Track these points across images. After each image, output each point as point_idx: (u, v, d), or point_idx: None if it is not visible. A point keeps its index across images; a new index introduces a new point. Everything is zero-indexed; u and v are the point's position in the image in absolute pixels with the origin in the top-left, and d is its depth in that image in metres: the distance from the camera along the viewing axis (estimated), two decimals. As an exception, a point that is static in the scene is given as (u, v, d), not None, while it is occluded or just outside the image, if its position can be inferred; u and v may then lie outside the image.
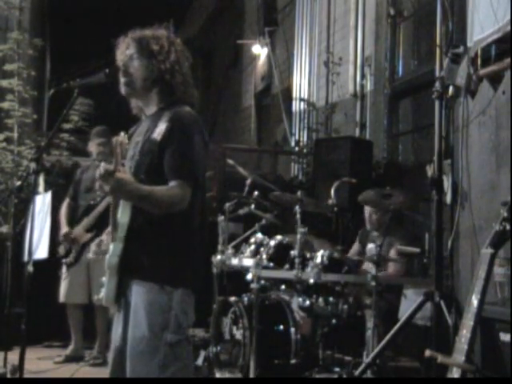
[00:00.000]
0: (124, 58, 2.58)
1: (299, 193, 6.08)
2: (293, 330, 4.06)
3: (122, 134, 2.46)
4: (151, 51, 2.56)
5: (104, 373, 2.60)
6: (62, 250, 5.21)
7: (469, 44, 3.97)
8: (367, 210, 4.74)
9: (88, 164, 5.55)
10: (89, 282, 5.17)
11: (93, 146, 5.38)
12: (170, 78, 2.56)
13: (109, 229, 2.70)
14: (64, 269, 5.22)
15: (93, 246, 5.11)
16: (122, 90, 2.58)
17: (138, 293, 2.44)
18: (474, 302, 2.46)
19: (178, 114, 2.51)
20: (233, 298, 4.21)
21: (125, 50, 2.59)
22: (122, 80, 2.57)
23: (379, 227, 4.63)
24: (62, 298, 5.23)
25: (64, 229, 5.20)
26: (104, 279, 2.49)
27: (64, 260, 5.20)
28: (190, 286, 2.50)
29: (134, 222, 2.44)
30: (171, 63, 2.56)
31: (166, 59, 2.56)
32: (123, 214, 2.43)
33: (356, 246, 4.92)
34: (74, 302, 5.25)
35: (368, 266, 4.53)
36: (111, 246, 2.46)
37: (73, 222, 5.25)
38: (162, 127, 2.50)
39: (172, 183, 2.43)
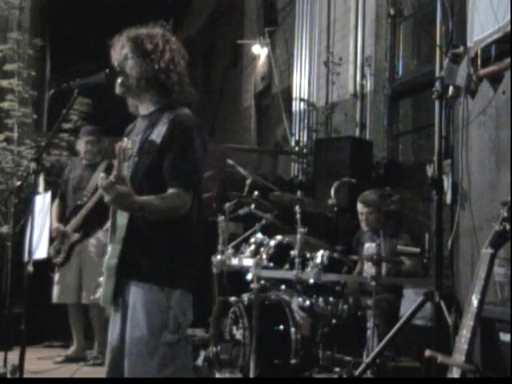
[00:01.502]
0: (119, 58, 2.57)
1: (299, 193, 6.09)
2: (293, 330, 4.06)
3: (126, 139, 2.45)
4: (145, 50, 2.53)
5: (104, 373, 2.59)
6: (51, 250, 5.15)
7: (469, 44, 3.96)
8: (360, 210, 4.72)
9: (75, 163, 5.49)
10: (80, 282, 5.15)
11: (81, 145, 5.33)
12: (165, 77, 2.53)
13: (106, 227, 2.69)
14: (55, 269, 5.22)
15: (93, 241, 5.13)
16: (117, 89, 2.56)
17: (137, 293, 2.43)
18: (474, 302, 2.46)
19: (178, 116, 2.49)
20: (233, 298, 4.21)
21: (120, 50, 2.57)
22: (118, 80, 2.56)
23: (376, 227, 4.61)
24: (53, 298, 5.22)
25: (55, 224, 5.17)
26: (101, 279, 2.48)
27: (54, 260, 5.19)
28: (189, 286, 2.50)
29: (132, 223, 2.44)
30: (166, 62, 2.53)
31: (161, 58, 2.53)
32: (122, 216, 2.43)
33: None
34: (65, 302, 5.23)
35: (367, 266, 4.53)
36: (109, 248, 2.45)
37: (62, 221, 5.22)
38: (161, 129, 2.48)
39: (171, 191, 2.41)
